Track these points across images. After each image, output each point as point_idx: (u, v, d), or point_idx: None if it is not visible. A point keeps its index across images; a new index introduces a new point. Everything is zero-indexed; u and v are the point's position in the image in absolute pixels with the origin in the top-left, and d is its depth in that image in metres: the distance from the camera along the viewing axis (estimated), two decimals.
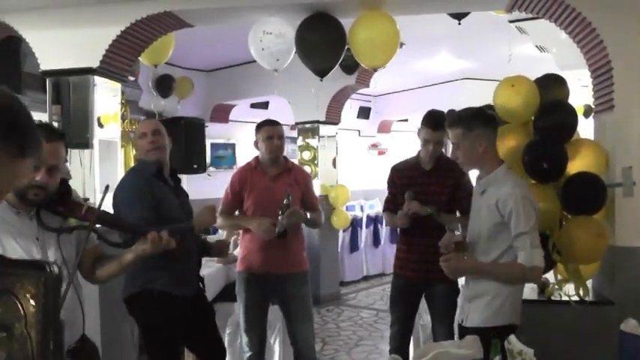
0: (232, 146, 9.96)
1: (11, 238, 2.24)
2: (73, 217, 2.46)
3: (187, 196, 3.58)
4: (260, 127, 4.02)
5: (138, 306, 3.35)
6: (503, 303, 2.84)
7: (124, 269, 2.76)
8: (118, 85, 4.60)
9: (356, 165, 10.94)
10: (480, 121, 2.94)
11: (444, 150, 3.99)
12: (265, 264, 3.93)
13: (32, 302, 1.13)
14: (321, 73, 4.74)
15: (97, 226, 2.53)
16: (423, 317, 4.68)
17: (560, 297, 3.65)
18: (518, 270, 2.79)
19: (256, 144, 4.03)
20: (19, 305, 1.12)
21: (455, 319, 3.87)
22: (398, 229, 4.16)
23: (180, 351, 3.62)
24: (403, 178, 3.95)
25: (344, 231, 9.20)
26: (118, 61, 4.45)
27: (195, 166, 7.86)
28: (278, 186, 3.93)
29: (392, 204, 3.99)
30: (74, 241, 2.50)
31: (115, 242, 2.65)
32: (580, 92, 5.39)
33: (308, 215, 4.07)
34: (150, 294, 3.26)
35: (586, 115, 6.39)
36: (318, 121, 8.15)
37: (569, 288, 3.66)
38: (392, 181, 4.06)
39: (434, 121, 3.78)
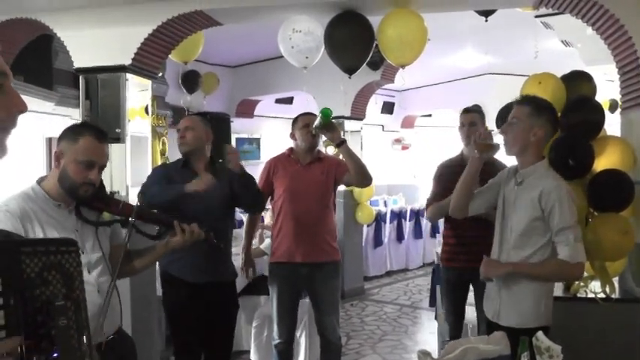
0: (257, 141, 10.08)
1: (53, 229, 2.34)
2: (109, 211, 2.57)
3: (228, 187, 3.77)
4: (297, 117, 4.14)
5: (162, 285, 3.77)
6: (537, 304, 2.75)
7: (157, 260, 2.99)
8: (148, 82, 4.69)
9: (379, 160, 10.90)
10: (550, 113, 2.85)
11: None
12: (297, 254, 4.00)
13: (77, 275, 1.22)
14: (350, 70, 4.78)
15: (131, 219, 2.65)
16: None
17: (586, 294, 3.63)
18: (560, 267, 2.70)
19: (292, 135, 4.13)
20: (70, 277, 1.20)
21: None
22: (443, 222, 4.21)
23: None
24: (450, 174, 3.98)
25: (368, 226, 9.21)
26: (149, 59, 4.53)
27: (220, 160, 7.92)
28: (309, 173, 4.03)
29: (440, 197, 3.96)
30: (109, 234, 2.61)
31: (150, 235, 2.74)
32: (606, 87, 5.37)
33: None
34: (166, 276, 3.66)
35: (611, 109, 6.36)
36: (343, 117, 8.12)
37: (595, 285, 3.66)
38: (439, 176, 4.13)
39: (466, 107, 4.10)
